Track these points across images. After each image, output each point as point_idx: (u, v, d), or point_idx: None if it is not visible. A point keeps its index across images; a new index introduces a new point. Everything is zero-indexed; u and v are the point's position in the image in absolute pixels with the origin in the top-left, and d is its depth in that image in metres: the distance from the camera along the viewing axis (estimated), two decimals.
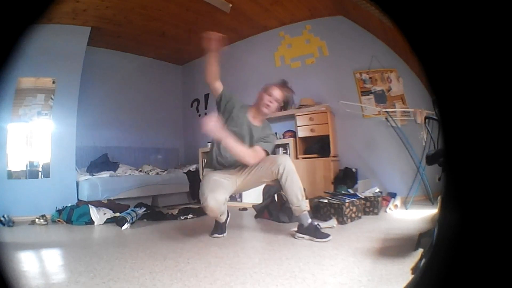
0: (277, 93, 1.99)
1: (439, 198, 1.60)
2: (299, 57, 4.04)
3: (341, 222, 2.27)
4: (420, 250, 1.37)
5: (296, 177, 1.93)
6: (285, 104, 2.08)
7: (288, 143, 3.64)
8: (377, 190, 2.82)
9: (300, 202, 1.91)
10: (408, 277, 1.09)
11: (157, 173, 4.11)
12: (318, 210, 2.50)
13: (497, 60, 0.42)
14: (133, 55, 4.70)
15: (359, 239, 1.82)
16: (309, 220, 1.90)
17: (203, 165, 2.07)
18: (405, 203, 2.82)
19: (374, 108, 3.41)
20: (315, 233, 1.84)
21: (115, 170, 3.77)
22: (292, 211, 1.99)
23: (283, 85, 2.06)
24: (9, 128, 3.16)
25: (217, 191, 1.86)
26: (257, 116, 2.05)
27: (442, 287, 0.48)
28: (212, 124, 1.70)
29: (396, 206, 2.74)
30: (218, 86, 1.98)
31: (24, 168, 3.19)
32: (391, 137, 3.26)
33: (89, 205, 2.84)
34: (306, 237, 1.87)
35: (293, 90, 2.14)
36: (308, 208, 1.95)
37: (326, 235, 1.81)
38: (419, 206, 2.80)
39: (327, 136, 3.43)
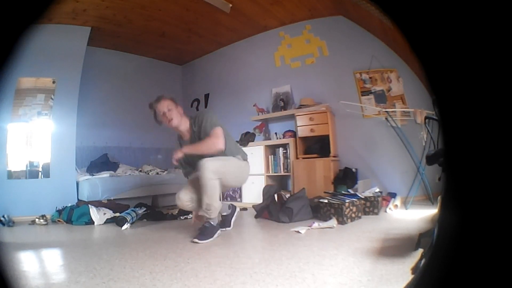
0: (160, 108, 2.09)
1: (439, 198, 1.60)
2: (299, 57, 4.04)
3: (341, 222, 2.27)
4: (420, 250, 1.37)
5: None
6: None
7: (288, 143, 3.65)
8: (377, 190, 2.82)
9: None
10: (408, 277, 1.09)
11: (157, 173, 4.11)
12: (318, 210, 2.50)
13: (497, 60, 0.42)
14: (133, 55, 4.70)
15: (359, 239, 1.82)
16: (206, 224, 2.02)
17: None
18: (405, 203, 2.82)
19: (374, 108, 3.41)
20: (201, 232, 1.96)
21: (115, 170, 3.77)
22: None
23: (157, 100, 2.15)
24: (9, 128, 3.16)
25: (182, 191, 2.13)
26: (179, 130, 2.19)
27: (442, 287, 0.48)
28: (176, 155, 1.99)
29: (396, 206, 2.74)
30: None
31: (24, 168, 3.19)
32: (391, 137, 3.25)
33: (89, 205, 2.84)
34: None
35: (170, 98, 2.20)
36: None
37: (207, 238, 1.92)
38: (419, 206, 2.80)
39: (327, 136, 3.43)
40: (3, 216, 2.71)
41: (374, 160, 3.44)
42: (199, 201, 2.09)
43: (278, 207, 2.63)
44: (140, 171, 4.10)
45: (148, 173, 4.06)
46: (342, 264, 1.36)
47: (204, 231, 1.96)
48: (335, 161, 3.47)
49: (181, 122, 2.14)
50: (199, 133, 2.08)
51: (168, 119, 2.07)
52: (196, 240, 1.88)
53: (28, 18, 0.48)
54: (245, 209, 3.36)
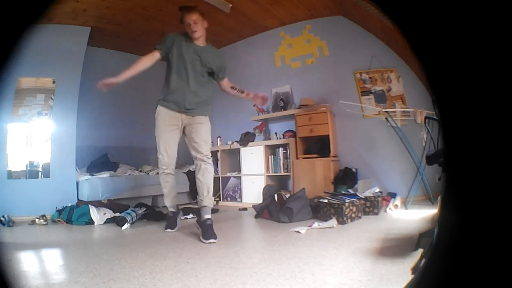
0: (187, 18, 2.15)
1: (439, 198, 1.60)
2: (299, 57, 4.04)
3: (341, 222, 2.27)
4: (420, 250, 1.37)
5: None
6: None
7: (288, 143, 3.65)
8: (377, 190, 2.82)
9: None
10: (408, 277, 1.09)
11: (157, 173, 4.10)
12: (318, 210, 2.50)
13: (497, 60, 0.42)
14: (133, 55, 4.68)
15: (359, 239, 1.82)
16: (206, 216, 2.07)
17: None
18: (405, 203, 2.82)
19: (374, 108, 3.41)
20: (208, 231, 1.95)
21: (115, 170, 3.77)
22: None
23: (187, 9, 2.18)
24: (9, 128, 3.16)
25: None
26: (196, 41, 2.25)
27: (442, 287, 0.48)
28: None
29: (396, 206, 2.74)
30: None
31: (24, 168, 3.19)
32: (391, 137, 3.26)
33: (89, 205, 2.84)
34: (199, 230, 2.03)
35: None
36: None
37: (213, 237, 1.90)
38: (419, 206, 2.80)
39: (327, 136, 3.43)
40: (3, 216, 2.70)
41: (374, 160, 3.44)
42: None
43: (278, 207, 2.63)
44: (140, 171, 4.10)
45: (148, 173, 4.06)
46: (342, 264, 1.36)
47: (209, 228, 1.96)
48: (335, 161, 3.47)
49: (202, 36, 2.23)
50: (210, 61, 2.26)
51: (192, 31, 2.18)
52: (213, 240, 1.88)
53: (28, 18, 0.48)
54: (245, 209, 3.36)
